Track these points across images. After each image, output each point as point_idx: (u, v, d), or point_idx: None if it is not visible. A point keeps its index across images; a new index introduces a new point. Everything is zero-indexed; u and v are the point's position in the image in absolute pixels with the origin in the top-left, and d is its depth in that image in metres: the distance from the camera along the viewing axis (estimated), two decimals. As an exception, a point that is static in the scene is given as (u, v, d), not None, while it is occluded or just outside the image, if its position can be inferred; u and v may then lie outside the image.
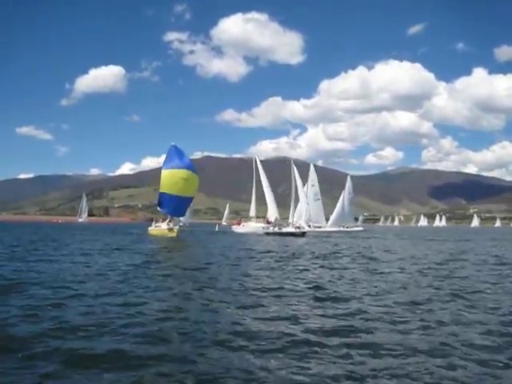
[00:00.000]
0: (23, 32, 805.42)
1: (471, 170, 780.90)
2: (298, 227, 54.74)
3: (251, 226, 63.66)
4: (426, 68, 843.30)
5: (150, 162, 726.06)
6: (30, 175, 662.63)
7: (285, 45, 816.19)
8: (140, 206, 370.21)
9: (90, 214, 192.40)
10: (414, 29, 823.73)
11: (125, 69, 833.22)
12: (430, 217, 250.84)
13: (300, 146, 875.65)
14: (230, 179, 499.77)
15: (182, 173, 45.38)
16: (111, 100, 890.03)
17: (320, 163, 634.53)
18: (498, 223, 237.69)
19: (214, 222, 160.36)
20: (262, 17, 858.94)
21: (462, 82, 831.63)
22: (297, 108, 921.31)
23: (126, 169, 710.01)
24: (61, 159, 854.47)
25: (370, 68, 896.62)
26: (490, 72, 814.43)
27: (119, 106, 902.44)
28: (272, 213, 59.70)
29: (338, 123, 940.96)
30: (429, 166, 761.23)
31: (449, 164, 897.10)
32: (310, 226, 62.79)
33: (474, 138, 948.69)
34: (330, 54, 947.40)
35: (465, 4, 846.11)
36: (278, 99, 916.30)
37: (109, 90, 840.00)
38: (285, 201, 63.07)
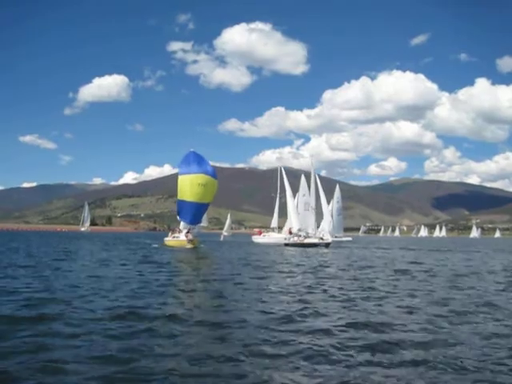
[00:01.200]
0: (27, 40, 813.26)
1: (474, 180, 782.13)
2: (322, 238, 52.40)
3: (273, 237, 62.34)
4: (429, 78, 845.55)
5: (152, 172, 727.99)
6: (33, 184, 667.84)
7: (288, 55, 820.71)
8: (142, 215, 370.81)
9: (93, 223, 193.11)
10: (418, 39, 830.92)
11: (128, 78, 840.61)
12: (433, 227, 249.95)
13: (303, 156, 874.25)
14: (233, 189, 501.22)
15: (200, 178, 43.31)
16: (115, 109, 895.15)
17: (323, 173, 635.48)
18: (497, 234, 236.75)
19: (215, 232, 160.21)
20: (265, 27, 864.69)
21: (464, 93, 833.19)
22: (300, 118, 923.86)
23: (129, 178, 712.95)
24: (64, 168, 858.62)
25: (373, 78, 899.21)
26: (493, 83, 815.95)
27: (122, 115, 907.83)
28: (294, 223, 57.25)
29: (341, 133, 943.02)
30: (431, 177, 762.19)
31: (452, 174, 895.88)
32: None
33: (477, 148, 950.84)
34: (333, 64, 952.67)
35: (468, 15, 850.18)
36: (281, 109, 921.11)
37: (112, 99, 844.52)
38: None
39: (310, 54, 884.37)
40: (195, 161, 44.53)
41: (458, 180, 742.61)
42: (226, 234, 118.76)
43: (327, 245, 50.33)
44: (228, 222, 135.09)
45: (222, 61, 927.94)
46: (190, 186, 42.91)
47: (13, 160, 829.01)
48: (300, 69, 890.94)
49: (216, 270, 21.56)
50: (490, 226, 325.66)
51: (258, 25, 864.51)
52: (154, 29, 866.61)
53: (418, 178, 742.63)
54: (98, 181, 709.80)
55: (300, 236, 52.86)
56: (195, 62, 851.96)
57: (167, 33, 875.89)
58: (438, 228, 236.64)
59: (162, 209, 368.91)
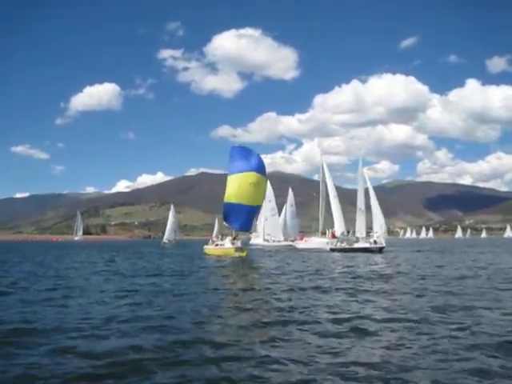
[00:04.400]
0: (17, 51, 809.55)
1: (467, 181, 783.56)
2: (375, 241, 47.77)
3: (315, 242, 57.73)
4: (419, 80, 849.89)
5: (145, 179, 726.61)
6: (26, 194, 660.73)
7: (279, 60, 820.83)
8: (136, 223, 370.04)
9: (87, 232, 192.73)
10: (407, 41, 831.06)
11: (120, 86, 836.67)
12: (428, 229, 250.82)
13: (296, 161, 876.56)
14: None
15: (251, 176, 38.73)
16: (106, 118, 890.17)
17: (316, 178, 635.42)
18: (483, 234, 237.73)
19: (205, 239, 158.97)
20: (255, 32, 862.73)
21: (455, 94, 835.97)
22: (292, 123, 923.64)
23: (122, 186, 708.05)
24: (56, 178, 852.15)
25: (363, 82, 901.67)
26: (483, 83, 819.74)
27: (114, 123, 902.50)
28: (338, 226, 53.62)
29: (333, 137, 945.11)
30: (424, 179, 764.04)
31: (444, 176, 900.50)
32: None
33: (469, 149, 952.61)
34: (323, 69, 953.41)
35: (456, 16, 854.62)
36: (273, 114, 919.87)
37: (104, 108, 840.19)
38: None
39: (301, 58, 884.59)
40: (243, 156, 40.20)
41: (450, 181, 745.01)
42: (215, 239, 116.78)
43: (381, 249, 46.26)
44: (216, 227, 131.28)
45: (212, 67, 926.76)
46: (239, 187, 38.62)
47: (5, 170, 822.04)
48: (291, 74, 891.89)
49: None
50: (483, 226, 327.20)
51: (248, 30, 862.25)
52: (143, 37, 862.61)
53: (411, 180, 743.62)
54: (90, 190, 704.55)
55: (344, 241, 49.39)
56: (186, 69, 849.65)
57: (157, 40, 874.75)
58: (424, 229, 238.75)
59: (156, 216, 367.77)
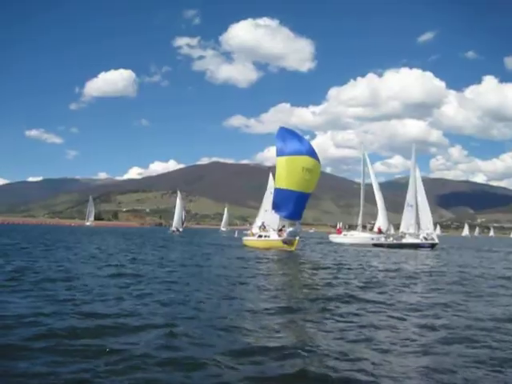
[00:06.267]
0: (33, 35, 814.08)
1: (480, 179, 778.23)
2: (426, 237, 44.98)
3: (356, 236, 53.27)
4: (436, 76, 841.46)
5: (157, 167, 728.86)
6: (39, 178, 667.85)
7: (295, 51, 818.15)
8: (148, 210, 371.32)
9: (99, 218, 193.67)
10: (425, 36, 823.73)
11: (135, 73, 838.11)
12: (442, 226, 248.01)
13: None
14: (237, 185, 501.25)
15: (306, 160, 35.07)
16: (121, 104, 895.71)
17: (328, 170, 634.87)
18: (491, 233, 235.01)
19: (216, 228, 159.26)
20: (272, 23, 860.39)
21: (472, 91, 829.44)
22: (305, 115, 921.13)
23: (134, 173, 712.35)
24: (69, 163, 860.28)
25: (379, 75, 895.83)
26: (501, 80, 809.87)
27: (128, 110, 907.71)
28: (383, 220, 50.97)
29: (346, 130, 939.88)
30: (437, 175, 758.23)
31: (457, 173, 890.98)
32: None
33: (483, 147, 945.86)
34: (339, 62, 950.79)
35: (475, 12, 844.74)
36: (287, 106, 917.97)
37: (118, 94, 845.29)
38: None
39: (318, 50, 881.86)
40: (294, 138, 36.72)
41: (463, 178, 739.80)
42: (223, 229, 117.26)
43: (433, 245, 44.12)
44: (225, 216, 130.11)
45: (228, 57, 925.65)
46: (291, 171, 34.84)
47: (19, 154, 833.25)
48: (307, 65, 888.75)
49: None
50: (495, 224, 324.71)
51: (265, 20, 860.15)
52: (160, 24, 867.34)
53: (424, 176, 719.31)
54: (103, 175, 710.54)
55: (389, 236, 47.32)
56: (201, 57, 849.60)
57: (173, 28, 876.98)
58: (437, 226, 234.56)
59: (167, 204, 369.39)
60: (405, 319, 9.58)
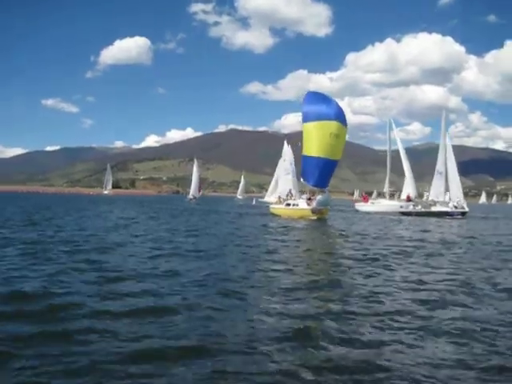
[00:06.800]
0: (49, 5, 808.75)
1: (499, 146, 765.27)
2: (456, 206, 44.57)
3: (384, 204, 51.13)
4: (456, 41, 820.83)
5: (174, 135, 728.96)
6: (56, 147, 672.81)
7: (312, 16, 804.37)
8: (165, 178, 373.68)
9: (117, 186, 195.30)
10: (445, 0, 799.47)
11: (150, 40, 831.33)
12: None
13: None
14: (255, 153, 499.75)
15: (333, 126, 33.79)
16: (136, 72, 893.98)
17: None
18: (510, 200, 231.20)
19: (231, 195, 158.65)
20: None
21: (492, 56, 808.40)
22: (323, 81, 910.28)
23: (151, 141, 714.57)
24: (86, 131, 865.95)
25: (398, 40, 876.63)
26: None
27: (144, 78, 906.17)
28: (411, 188, 50.07)
29: (364, 97, 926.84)
30: (456, 142, 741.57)
31: (477, 140, 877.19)
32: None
33: (503, 113, 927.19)
34: (357, 26, 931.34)
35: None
36: (304, 72, 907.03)
37: (134, 62, 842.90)
38: None
39: (335, 15, 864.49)
40: (321, 102, 35.28)
41: (483, 145, 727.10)
42: (240, 197, 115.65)
43: (463, 213, 43.84)
44: (242, 184, 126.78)
45: (244, 22, 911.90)
46: (318, 136, 33.75)
47: (36, 123, 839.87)
48: (324, 31, 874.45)
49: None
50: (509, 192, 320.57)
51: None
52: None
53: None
54: (119, 144, 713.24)
55: (418, 204, 46.51)
56: (217, 23, 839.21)
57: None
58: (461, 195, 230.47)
59: (184, 172, 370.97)
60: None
